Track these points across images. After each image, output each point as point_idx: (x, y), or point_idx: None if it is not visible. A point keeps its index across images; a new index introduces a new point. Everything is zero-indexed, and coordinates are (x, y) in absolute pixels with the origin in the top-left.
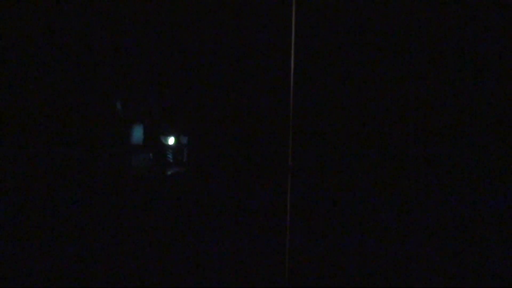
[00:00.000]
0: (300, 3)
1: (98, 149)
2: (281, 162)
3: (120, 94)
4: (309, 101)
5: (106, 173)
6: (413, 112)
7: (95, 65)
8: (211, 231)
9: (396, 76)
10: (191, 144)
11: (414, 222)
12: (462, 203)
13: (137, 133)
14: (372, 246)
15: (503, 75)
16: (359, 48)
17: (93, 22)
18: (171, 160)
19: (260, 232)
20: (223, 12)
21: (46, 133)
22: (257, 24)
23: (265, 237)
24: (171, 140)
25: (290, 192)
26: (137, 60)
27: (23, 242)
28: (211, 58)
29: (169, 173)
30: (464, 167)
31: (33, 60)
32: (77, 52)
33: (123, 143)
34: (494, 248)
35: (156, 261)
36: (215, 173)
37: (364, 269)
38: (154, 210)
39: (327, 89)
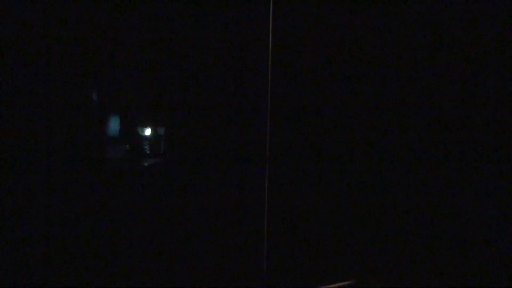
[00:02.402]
0: None
1: (73, 140)
2: (259, 152)
3: (96, 84)
4: (286, 93)
5: (81, 164)
6: (390, 103)
7: (70, 56)
8: (188, 222)
9: (372, 71)
10: (168, 135)
11: (390, 207)
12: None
13: (113, 124)
14: (349, 234)
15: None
16: (336, 43)
17: (68, 12)
18: (148, 152)
19: (238, 223)
20: (199, 4)
21: (21, 125)
22: (234, 14)
23: (244, 228)
24: (147, 131)
25: (267, 182)
26: (113, 50)
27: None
28: (188, 48)
29: (145, 164)
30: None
31: (7, 50)
32: (52, 42)
33: (99, 134)
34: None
35: (134, 253)
36: (192, 164)
37: (341, 254)
38: (130, 202)
39: (304, 82)
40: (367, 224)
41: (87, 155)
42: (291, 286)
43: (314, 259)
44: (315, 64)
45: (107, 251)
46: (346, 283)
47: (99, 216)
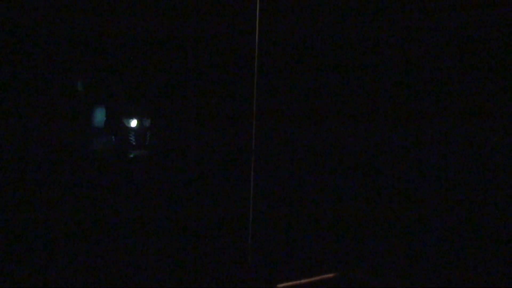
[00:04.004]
0: None
1: (59, 131)
2: (245, 145)
3: (82, 76)
4: (271, 88)
5: (67, 155)
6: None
7: (56, 46)
8: (173, 212)
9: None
10: (153, 127)
11: (376, 202)
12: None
13: (99, 115)
14: (334, 228)
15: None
16: (318, 40)
17: (57, 4)
18: (134, 143)
19: (223, 213)
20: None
21: (7, 116)
22: (222, 8)
23: (229, 218)
24: (133, 123)
25: (253, 173)
26: (99, 42)
27: None
28: (175, 41)
29: (131, 155)
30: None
31: None
32: (40, 33)
33: (85, 125)
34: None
35: (118, 242)
36: (177, 155)
37: (322, 242)
38: (116, 192)
39: (288, 80)
40: (352, 218)
41: (72, 147)
42: (274, 278)
43: (298, 252)
44: (300, 60)
45: (91, 238)
46: (329, 275)
47: (85, 205)
